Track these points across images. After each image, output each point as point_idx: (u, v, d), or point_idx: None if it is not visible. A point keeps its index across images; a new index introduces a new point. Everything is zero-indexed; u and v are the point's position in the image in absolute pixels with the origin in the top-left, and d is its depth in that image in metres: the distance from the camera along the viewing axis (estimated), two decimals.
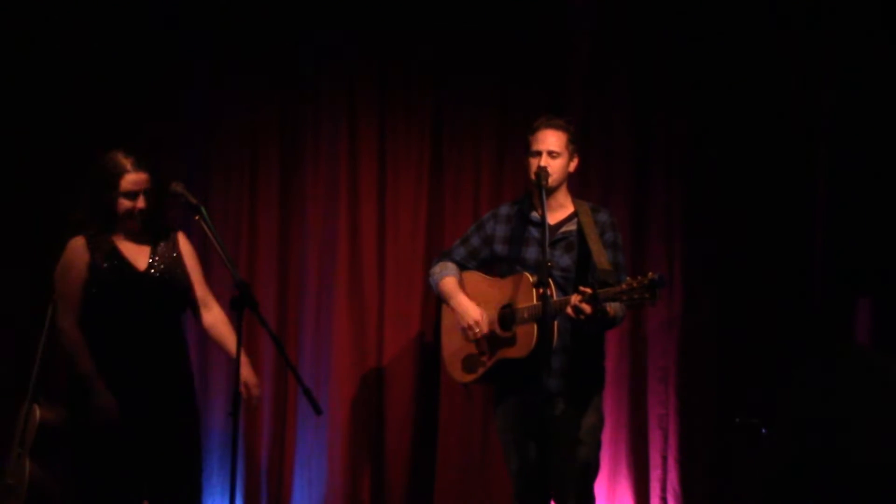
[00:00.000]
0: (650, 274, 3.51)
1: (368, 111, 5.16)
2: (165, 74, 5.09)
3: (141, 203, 3.71)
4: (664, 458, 4.93)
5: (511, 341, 3.86)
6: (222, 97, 5.16)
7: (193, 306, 3.89)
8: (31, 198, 5.03)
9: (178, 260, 3.82)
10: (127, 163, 3.70)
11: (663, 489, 4.91)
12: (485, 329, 3.93)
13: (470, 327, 3.94)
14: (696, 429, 4.92)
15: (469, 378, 4.05)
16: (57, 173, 5.01)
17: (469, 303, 4.00)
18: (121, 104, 5.02)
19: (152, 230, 3.80)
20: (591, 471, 3.93)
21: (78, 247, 3.74)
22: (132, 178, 3.70)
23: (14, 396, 4.67)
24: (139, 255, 3.77)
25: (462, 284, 4.08)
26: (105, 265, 3.70)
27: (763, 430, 4.24)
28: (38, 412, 4.56)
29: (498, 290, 3.97)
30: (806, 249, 4.87)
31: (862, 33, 4.82)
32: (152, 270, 3.75)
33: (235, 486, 3.52)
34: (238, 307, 3.60)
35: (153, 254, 3.78)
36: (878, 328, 4.66)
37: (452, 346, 4.10)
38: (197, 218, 3.66)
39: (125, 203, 3.71)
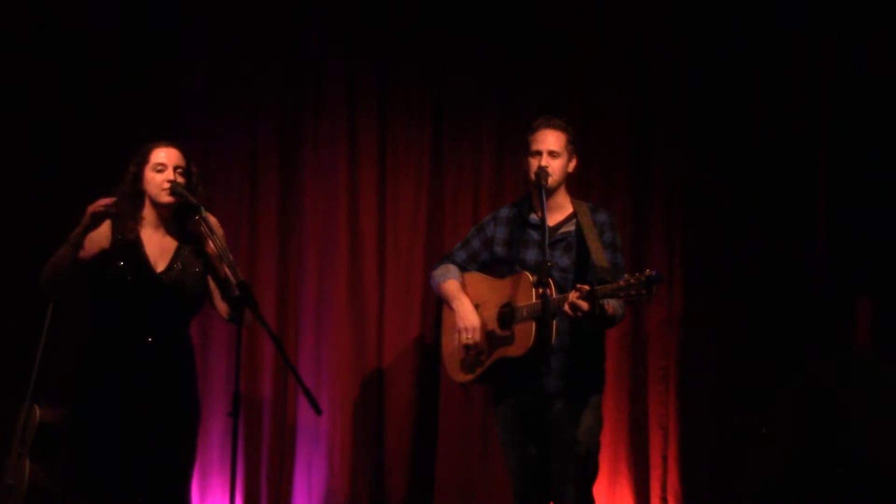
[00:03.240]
0: (647, 270, 3.51)
1: (368, 111, 5.16)
2: (165, 73, 5.09)
3: (170, 175, 3.68)
4: (664, 458, 4.93)
5: (509, 340, 3.86)
6: (222, 96, 5.16)
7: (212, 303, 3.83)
8: (29, 197, 5.03)
9: (200, 268, 3.76)
10: (160, 140, 3.72)
11: (663, 489, 4.91)
12: (477, 338, 3.93)
13: (466, 329, 3.94)
14: (696, 429, 4.92)
15: (468, 378, 4.04)
16: (54, 172, 5.01)
17: (470, 307, 3.99)
18: (119, 103, 5.02)
19: (182, 223, 3.73)
20: (591, 471, 3.93)
21: (103, 228, 3.69)
22: (161, 151, 3.70)
23: (14, 396, 4.67)
24: (162, 254, 3.73)
25: (463, 286, 4.08)
26: (121, 262, 3.66)
27: (763, 430, 4.24)
28: (38, 412, 4.55)
29: (498, 290, 3.97)
30: (806, 249, 4.87)
31: (862, 34, 4.82)
32: (166, 275, 3.71)
33: (235, 486, 3.52)
34: (238, 307, 3.60)
35: (176, 256, 3.74)
36: (878, 328, 4.66)
37: (452, 346, 4.09)
38: (197, 218, 3.66)
39: (154, 177, 3.68)
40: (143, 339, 3.66)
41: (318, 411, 3.51)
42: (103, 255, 3.68)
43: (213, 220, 3.74)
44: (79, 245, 3.63)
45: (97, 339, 3.70)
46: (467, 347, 3.96)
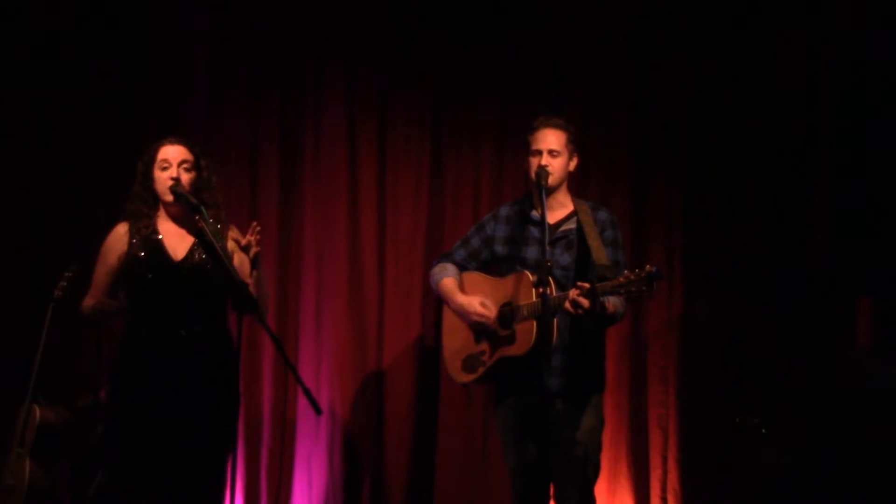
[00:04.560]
0: (647, 267, 3.51)
1: (368, 111, 5.16)
2: (165, 72, 5.09)
3: (174, 172, 3.69)
4: (664, 458, 4.92)
5: (510, 339, 3.86)
6: (222, 96, 5.16)
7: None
8: (30, 196, 5.03)
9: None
10: (166, 138, 3.75)
11: (663, 489, 4.91)
12: (493, 313, 3.90)
13: (480, 315, 3.91)
14: (696, 429, 4.92)
15: (469, 378, 4.04)
16: (53, 169, 5.00)
17: (466, 299, 3.98)
18: (119, 102, 5.01)
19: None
20: (592, 472, 3.92)
21: (119, 234, 3.76)
22: (167, 149, 3.72)
23: (14, 396, 4.67)
24: (180, 244, 3.75)
25: (462, 284, 4.07)
26: (141, 254, 3.70)
27: (763, 430, 4.24)
28: (38, 412, 4.55)
29: (498, 289, 3.96)
30: (806, 249, 4.86)
31: (863, 32, 4.82)
32: (188, 261, 3.73)
33: (235, 486, 3.52)
34: (238, 308, 3.60)
35: (195, 247, 3.74)
36: (878, 328, 4.66)
37: (453, 347, 4.09)
38: (197, 218, 3.66)
39: (161, 175, 3.70)
40: (174, 331, 3.68)
41: (318, 411, 3.51)
42: (125, 257, 3.73)
43: (235, 233, 3.77)
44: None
45: (130, 334, 3.74)
46: (477, 341, 3.94)
